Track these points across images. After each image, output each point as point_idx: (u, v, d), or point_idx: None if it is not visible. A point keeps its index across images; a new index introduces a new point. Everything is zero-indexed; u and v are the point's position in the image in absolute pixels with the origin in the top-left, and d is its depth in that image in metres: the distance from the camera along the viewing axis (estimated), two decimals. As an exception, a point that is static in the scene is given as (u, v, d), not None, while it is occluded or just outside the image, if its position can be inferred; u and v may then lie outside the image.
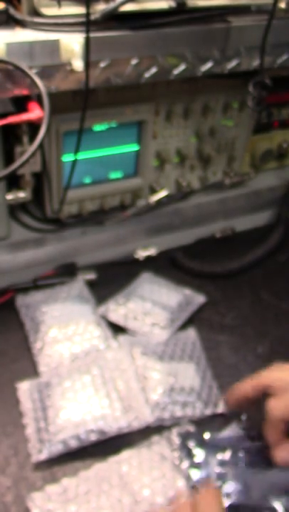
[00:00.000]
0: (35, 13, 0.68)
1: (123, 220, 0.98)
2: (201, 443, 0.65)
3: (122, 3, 0.67)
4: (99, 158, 0.93)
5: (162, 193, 0.99)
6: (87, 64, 0.68)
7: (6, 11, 0.68)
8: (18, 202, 0.88)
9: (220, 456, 0.64)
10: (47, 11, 0.67)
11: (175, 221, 1.01)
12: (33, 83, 0.66)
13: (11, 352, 0.79)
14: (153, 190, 1.01)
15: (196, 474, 0.62)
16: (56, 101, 0.80)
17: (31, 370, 0.76)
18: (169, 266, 0.97)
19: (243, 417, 0.69)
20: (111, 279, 0.92)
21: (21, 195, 0.87)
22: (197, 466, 0.63)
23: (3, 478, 0.64)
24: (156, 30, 0.72)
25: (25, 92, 0.69)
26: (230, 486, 0.61)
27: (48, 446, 0.65)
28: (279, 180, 1.15)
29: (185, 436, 0.66)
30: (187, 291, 0.89)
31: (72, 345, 0.77)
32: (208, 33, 0.76)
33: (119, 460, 0.64)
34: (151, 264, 0.96)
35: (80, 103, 0.74)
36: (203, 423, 0.70)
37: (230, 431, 0.68)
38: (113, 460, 0.64)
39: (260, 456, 0.63)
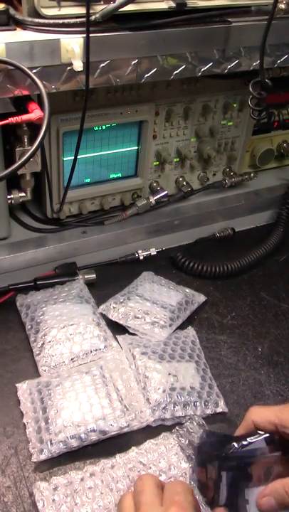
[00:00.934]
0: (36, 13, 0.68)
1: (123, 220, 0.98)
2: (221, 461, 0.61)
3: (122, 4, 0.67)
4: (99, 158, 0.93)
5: (162, 193, 0.99)
6: (87, 64, 0.68)
7: (6, 12, 0.68)
8: (18, 202, 0.88)
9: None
10: (47, 11, 0.68)
11: (175, 221, 1.01)
12: (33, 83, 0.66)
13: (11, 352, 0.79)
14: (153, 190, 1.01)
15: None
16: (56, 101, 0.80)
17: (31, 370, 0.76)
18: (169, 265, 0.97)
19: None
20: (111, 279, 0.92)
21: (21, 195, 0.87)
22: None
23: (3, 478, 0.64)
24: (156, 31, 0.72)
25: (25, 92, 0.69)
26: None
27: (48, 446, 0.65)
28: (279, 180, 1.15)
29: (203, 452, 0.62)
30: (187, 291, 0.89)
31: (73, 345, 0.77)
32: (208, 33, 0.76)
33: (127, 457, 0.64)
34: (151, 264, 0.96)
35: (80, 103, 0.74)
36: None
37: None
38: (120, 457, 0.64)
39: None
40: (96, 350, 0.77)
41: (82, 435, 0.66)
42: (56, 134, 0.84)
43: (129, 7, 0.69)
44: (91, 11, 0.66)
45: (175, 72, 0.77)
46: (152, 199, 0.98)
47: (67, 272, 0.91)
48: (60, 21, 0.67)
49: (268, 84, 0.79)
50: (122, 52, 0.72)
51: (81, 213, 0.96)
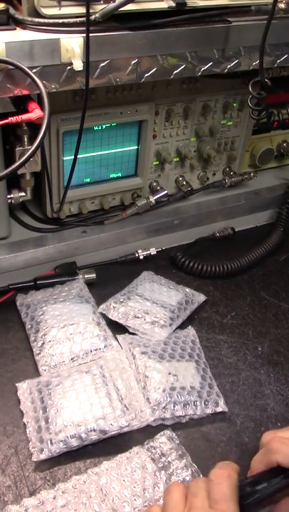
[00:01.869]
0: (36, 13, 0.68)
1: (123, 219, 0.98)
2: None
3: (122, 4, 0.67)
4: (99, 158, 0.93)
5: (162, 193, 0.99)
6: (87, 64, 0.68)
7: (6, 11, 0.68)
8: (18, 201, 0.88)
9: None
10: (47, 11, 0.68)
11: (175, 221, 1.01)
12: (33, 83, 0.66)
13: (11, 352, 0.79)
14: (153, 190, 1.01)
15: None
16: (56, 100, 0.81)
17: (31, 369, 0.76)
18: (169, 265, 0.97)
19: None
20: (111, 279, 0.92)
21: (21, 194, 0.87)
22: None
23: (4, 477, 0.64)
24: (156, 30, 0.72)
25: (25, 91, 0.69)
26: None
27: (48, 446, 0.65)
28: (279, 179, 1.15)
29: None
30: (187, 290, 0.90)
31: (73, 344, 0.77)
32: (208, 32, 0.76)
33: (98, 472, 0.63)
34: (151, 264, 0.96)
35: (80, 103, 0.74)
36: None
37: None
38: (92, 472, 0.63)
39: None
40: (96, 349, 0.77)
41: (83, 435, 0.66)
42: (56, 134, 0.84)
43: (129, 7, 0.69)
44: (91, 11, 0.66)
45: (175, 72, 0.77)
46: (152, 199, 0.98)
47: (67, 271, 0.91)
48: (60, 21, 0.67)
49: (267, 84, 0.79)
50: (121, 52, 0.72)
51: (81, 213, 0.96)
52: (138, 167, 0.97)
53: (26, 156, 0.63)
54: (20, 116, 0.68)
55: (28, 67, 0.65)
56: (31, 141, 0.78)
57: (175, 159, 1.00)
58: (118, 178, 0.97)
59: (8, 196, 0.87)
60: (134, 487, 0.61)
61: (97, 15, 0.67)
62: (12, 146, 0.80)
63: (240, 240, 1.05)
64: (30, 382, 0.73)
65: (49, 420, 0.67)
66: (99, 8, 0.68)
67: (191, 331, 0.83)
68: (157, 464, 0.64)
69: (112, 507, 0.59)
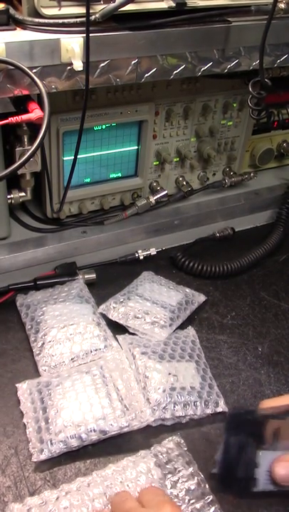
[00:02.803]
0: (36, 13, 0.68)
1: (123, 219, 0.98)
2: None
3: (122, 4, 0.67)
4: (99, 158, 0.93)
5: (162, 193, 0.99)
6: (87, 64, 0.68)
7: (6, 11, 0.68)
8: (18, 202, 0.88)
9: None
10: (47, 11, 0.68)
11: (175, 221, 1.01)
12: (33, 83, 0.66)
13: (11, 352, 0.79)
14: (153, 190, 1.01)
15: None
16: (56, 101, 0.81)
17: (31, 370, 0.76)
18: (169, 265, 0.97)
19: None
20: (111, 279, 0.92)
21: (21, 194, 0.87)
22: None
23: (4, 478, 0.64)
24: (156, 31, 0.72)
25: (25, 92, 0.69)
26: None
27: (48, 446, 0.65)
28: (279, 180, 1.15)
29: None
30: (187, 291, 0.90)
31: (73, 344, 0.77)
32: (208, 33, 0.76)
33: (104, 475, 0.62)
34: (151, 264, 0.96)
35: (80, 103, 0.74)
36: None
37: None
38: (97, 474, 0.63)
39: None
40: (96, 350, 0.77)
41: (83, 435, 0.66)
42: (56, 134, 0.84)
43: (129, 7, 0.69)
44: (91, 11, 0.66)
45: (175, 72, 0.77)
46: (152, 199, 0.98)
47: (67, 271, 0.91)
48: (60, 21, 0.67)
49: (267, 84, 0.79)
50: (121, 52, 0.72)
51: (81, 213, 0.96)
52: (138, 167, 0.97)
53: (26, 156, 0.63)
54: (20, 117, 0.68)
55: (28, 67, 0.65)
56: (31, 141, 0.78)
57: (175, 159, 1.00)
58: (118, 178, 0.97)
59: (8, 196, 0.87)
60: (138, 493, 0.60)
61: (97, 15, 0.67)
62: (12, 146, 0.80)
63: (240, 240, 1.05)
64: (30, 382, 0.73)
65: (49, 421, 0.67)
66: (99, 9, 0.68)
67: (191, 331, 0.83)
68: (163, 470, 0.63)
69: None
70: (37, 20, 0.67)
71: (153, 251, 0.97)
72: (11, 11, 0.69)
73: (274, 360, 0.81)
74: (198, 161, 1.03)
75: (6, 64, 0.65)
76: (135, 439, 0.68)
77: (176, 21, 0.73)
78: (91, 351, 0.77)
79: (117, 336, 0.81)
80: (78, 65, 0.67)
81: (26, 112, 0.69)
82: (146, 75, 0.76)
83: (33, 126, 0.72)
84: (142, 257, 0.96)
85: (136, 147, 0.95)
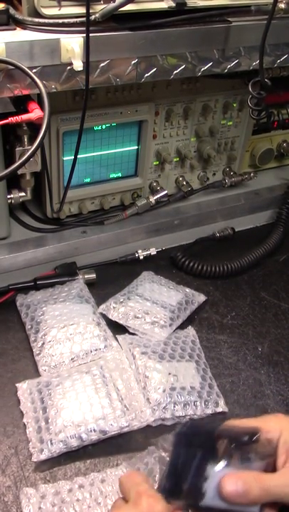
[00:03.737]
0: (36, 13, 0.68)
1: (123, 219, 0.98)
2: None
3: (122, 4, 0.67)
4: (99, 158, 0.93)
5: (162, 193, 0.99)
6: (87, 64, 0.68)
7: (6, 11, 0.68)
8: (18, 202, 0.88)
9: None
10: (47, 11, 0.68)
11: (175, 221, 1.01)
12: (33, 83, 0.66)
13: (11, 352, 0.79)
14: (153, 190, 1.01)
15: None
16: (56, 101, 0.81)
17: (31, 370, 0.76)
18: (169, 265, 0.97)
19: None
20: (111, 279, 0.92)
21: (21, 194, 0.87)
22: None
23: (4, 477, 0.64)
24: (156, 31, 0.72)
25: (25, 91, 0.69)
26: None
27: (48, 446, 0.65)
28: (279, 180, 1.15)
29: None
30: (187, 290, 0.90)
31: (73, 344, 0.77)
32: (208, 33, 0.76)
33: (117, 474, 0.62)
34: (151, 264, 0.96)
35: (80, 103, 0.74)
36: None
37: None
38: (111, 472, 0.63)
39: None
40: (96, 350, 0.77)
41: (83, 435, 0.66)
42: (56, 134, 0.84)
43: (129, 7, 0.69)
44: (91, 11, 0.66)
45: (175, 72, 0.77)
46: (152, 199, 0.98)
47: (67, 271, 0.91)
48: (60, 21, 0.67)
49: (267, 84, 0.79)
50: (121, 52, 0.72)
51: (81, 213, 0.96)
52: (138, 167, 0.97)
53: (26, 156, 0.63)
54: (20, 117, 0.68)
55: (28, 67, 0.65)
56: (31, 141, 0.78)
57: (175, 159, 1.00)
58: (118, 178, 0.97)
59: (8, 196, 0.86)
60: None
61: (97, 15, 0.67)
62: (12, 146, 0.80)
63: (240, 240, 1.05)
64: (30, 382, 0.73)
65: (49, 420, 0.67)
66: (99, 8, 0.68)
67: (191, 331, 0.83)
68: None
69: None
70: (37, 20, 0.67)
71: (153, 251, 0.97)
72: (11, 10, 0.69)
73: (274, 360, 0.81)
74: (198, 161, 1.03)
75: (6, 64, 0.65)
76: (135, 439, 0.68)
77: (176, 21, 0.73)
78: (91, 351, 0.77)
79: (117, 335, 0.81)
80: (78, 65, 0.67)
81: (26, 112, 0.69)
82: (146, 75, 0.76)
83: (33, 126, 0.72)
84: (142, 257, 0.96)
85: (136, 147, 0.95)
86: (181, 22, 0.74)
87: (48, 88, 0.69)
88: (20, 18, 0.68)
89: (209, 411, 0.72)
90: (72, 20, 0.68)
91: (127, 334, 0.81)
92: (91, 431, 0.66)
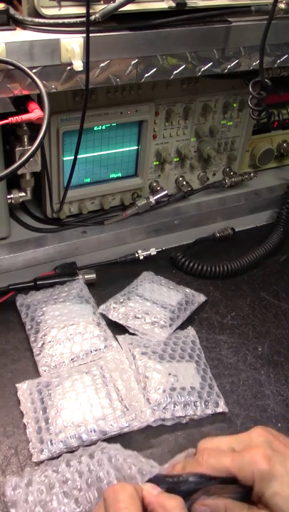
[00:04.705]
0: (36, 13, 0.68)
1: (123, 219, 0.98)
2: None
3: (122, 4, 0.67)
4: (99, 158, 0.93)
5: (162, 193, 0.99)
6: (87, 64, 0.68)
7: (6, 12, 0.68)
8: (18, 202, 0.88)
9: None
10: (47, 11, 0.68)
11: (175, 221, 1.01)
12: (33, 83, 0.66)
13: (11, 352, 0.79)
14: (153, 190, 1.01)
15: None
16: (56, 101, 0.81)
17: (31, 370, 0.76)
18: (169, 265, 0.97)
19: None
20: (111, 279, 0.92)
21: (21, 194, 0.87)
22: None
23: (4, 478, 0.63)
24: (156, 31, 0.72)
25: (25, 91, 0.69)
26: None
27: (48, 446, 0.65)
28: (279, 180, 1.15)
29: None
30: (187, 291, 0.89)
31: (73, 345, 0.77)
32: (208, 33, 0.76)
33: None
34: (151, 264, 0.96)
35: (80, 103, 0.74)
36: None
37: None
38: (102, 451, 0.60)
39: None
40: (96, 350, 0.77)
41: (83, 435, 0.66)
42: (56, 134, 0.84)
43: (129, 7, 0.69)
44: (91, 11, 0.66)
45: (175, 72, 0.77)
46: (152, 199, 0.98)
47: (67, 271, 0.91)
48: (60, 21, 0.67)
49: (267, 84, 0.79)
50: (121, 52, 0.72)
51: (81, 213, 0.96)
52: (138, 167, 0.97)
53: (26, 156, 0.63)
54: (20, 117, 0.68)
55: (28, 68, 0.65)
56: (31, 141, 0.78)
57: (175, 159, 1.00)
58: (118, 178, 0.97)
59: (8, 196, 0.86)
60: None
61: (97, 15, 0.67)
62: (12, 146, 0.80)
63: (240, 240, 1.05)
64: (30, 382, 0.73)
65: (49, 421, 0.67)
66: (99, 8, 0.68)
67: (191, 332, 0.83)
68: None
69: None
70: (37, 20, 0.67)
71: (153, 251, 0.97)
72: (11, 11, 0.69)
73: (274, 360, 0.81)
74: (198, 161, 1.03)
75: (6, 64, 0.65)
76: (135, 439, 0.68)
77: (176, 21, 0.73)
78: (91, 351, 0.77)
79: (117, 336, 0.80)
80: (78, 65, 0.67)
81: (26, 111, 0.69)
82: (146, 75, 0.75)
83: (33, 126, 0.72)
84: (142, 257, 0.96)
85: (136, 147, 0.95)
86: (181, 22, 0.74)
87: (48, 88, 0.69)
88: (20, 18, 0.68)
89: (209, 411, 0.72)
90: (72, 21, 0.68)
91: (127, 334, 0.81)
92: (91, 431, 0.66)
